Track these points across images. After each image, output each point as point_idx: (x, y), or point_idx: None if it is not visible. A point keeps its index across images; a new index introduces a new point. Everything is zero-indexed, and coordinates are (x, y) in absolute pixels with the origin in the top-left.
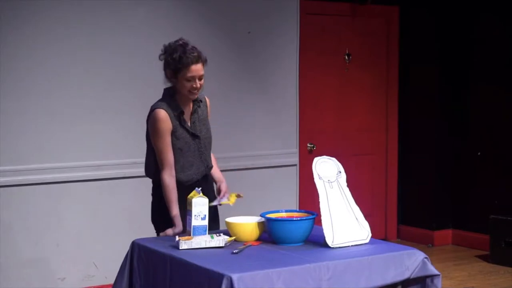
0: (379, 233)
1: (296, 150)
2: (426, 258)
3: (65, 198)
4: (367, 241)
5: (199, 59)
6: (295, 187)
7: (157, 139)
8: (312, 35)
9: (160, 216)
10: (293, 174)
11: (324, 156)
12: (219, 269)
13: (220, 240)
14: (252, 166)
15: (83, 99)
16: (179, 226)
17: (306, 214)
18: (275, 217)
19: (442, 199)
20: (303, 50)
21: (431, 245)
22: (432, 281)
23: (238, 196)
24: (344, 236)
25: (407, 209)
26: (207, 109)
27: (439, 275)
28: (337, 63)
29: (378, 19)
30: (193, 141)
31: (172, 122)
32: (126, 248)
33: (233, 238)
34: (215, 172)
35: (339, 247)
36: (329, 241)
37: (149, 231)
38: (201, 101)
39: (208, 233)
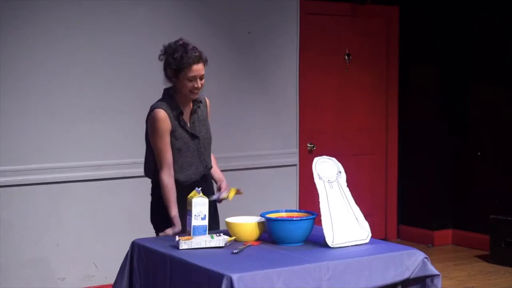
0: (379, 233)
1: (296, 150)
2: (426, 258)
3: (65, 198)
4: (367, 241)
5: (200, 59)
6: (295, 187)
7: (156, 139)
8: (312, 35)
9: (159, 216)
10: (293, 174)
11: (324, 156)
12: (219, 269)
13: (220, 240)
14: (252, 166)
15: (83, 99)
16: (178, 226)
17: (306, 214)
18: (275, 217)
19: (442, 199)
20: (303, 50)
21: (431, 245)
22: (432, 281)
23: (237, 192)
24: (344, 236)
25: (407, 209)
26: (207, 109)
27: (439, 275)
28: (337, 63)
29: (378, 19)
30: (192, 141)
31: (171, 122)
32: (126, 248)
33: (233, 238)
34: (215, 172)
35: (339, 247)
36: (329, 241)
37: (149, 231)
38: (200, 101)
39: (208, 233)
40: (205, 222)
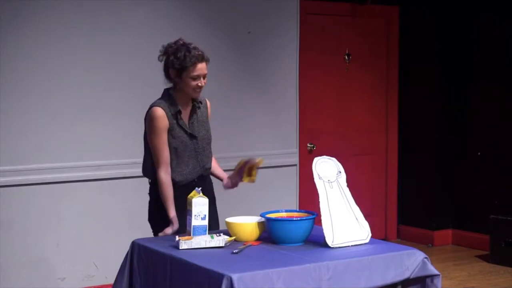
0: (379, 233)
1: (296, 150)
2: (426, 258)
3: (65, 198)
4: (367, 241)
5: (203, 58)
6: (295, 187)
7: (153, 137)
8: (312, 35)
9: (157, 216)
10: (293, 174)
11: (324, 156)
12: (219, 269)
13: (220, 240)
14: None
15: (83, 99)
16: (176, 224)
17: (306, 214)
18: (275, 217)
19: (442, 199)
20: (303, 50)
21: (431, 245)
22: (432, 281)
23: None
24: (344, 236)
25: (407, 209)
26: (207, 110)
27: (439, 275)
28: (337, 63)
29: (378, 19)
30: (191, 141)
31: (169, 121)
32: (126, 248)
33: (233, 238)
34: (219, 170)
35: (339, 247)
36: (329, 241)
37: (149, 231)
38: (201, 102)
39: (208, 233)
40: (205, 222)
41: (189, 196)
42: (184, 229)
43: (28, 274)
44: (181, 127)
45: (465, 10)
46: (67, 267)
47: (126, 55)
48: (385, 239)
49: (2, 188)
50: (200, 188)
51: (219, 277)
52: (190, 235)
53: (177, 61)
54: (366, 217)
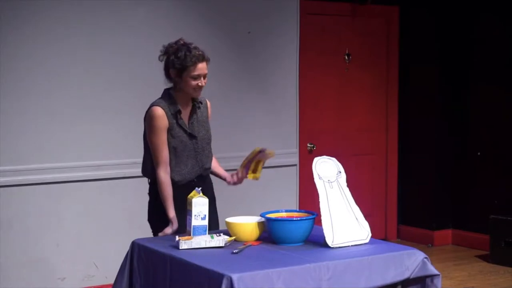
0: (379, 233)
1: (296, 150)
2: (426, 258)
3: (65, 198)
4: (367, 241)
5: (204, 57)
6: (295, 187)
7: (152, 136)
8: (312, 35)
9: (157, 216)
10: (293, 174)
11: (324, 156)
12: (219, 269)
13: (220, 240)
14: None
15: (83, 99)
16: (175, 223)
17: (306, 214)
18: (275, 217)
19: (442, 199)
20: (303, 50)
21: (431, 245)
22: (432, 281)
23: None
24: (344, 236)
25: (407, 209)
26: (207, 111)
27: (439, 275)
28: (337, 63)
29: (378, 19)
30: (190, 141)
31: (168, 120)
32: (126, 248)
33: (233, 238)
34: (221, 171)
35: (339, 247)
36: (329, 241)
37: (149, 231)
38: (201, 102)
39: (208, 233)
40: (205, 222)
41: (189, 196)
42: (184, 229)
43: (28, 274)
44: (180, 126)
45: (465, 10)
46: (67, 267)
47: (126, 55)
48: (385, 239)
49: (2, 188)
50: (200, 188)
51: (219, 277)
52: (190, 235)
53: (178, 61)
54: (366, 217)
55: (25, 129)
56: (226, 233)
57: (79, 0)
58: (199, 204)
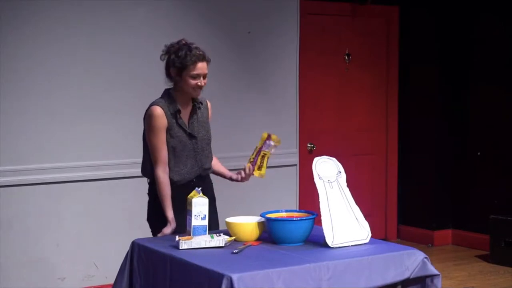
0: (379, 233)
1: (296, 150)
2: (426, 258)
3: (65, 198)
4: (367, 241)
5: (204, 57)
6: (295, 187)
7: (151, 135)
8: (312, 35)
9: (156, 216)
10: (293, 174)
11: (324, 156)
12: (219, 269)
13: (220, 240)
14: None
15: (83, 99)
16: (173, 223)
17: (306, 214)
18: (275, 217)
19: (442, 199)
20: (303, 50)
21: (431, 245)
22: (432, 281)
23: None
24: (344, 236)
25: (407, 209)
26: (207, 111)
27: (439, 275)
28: (337, 63)
29: (378, 19)
30: (190, 141)
31: (167, 120)
32: (126, 248)
33: (233, 238)
34: (223, 169)
35: (339, 247)
36: (329, 241)
37: (149, 231)
38: (201, 103)
39: (208, 233)
40: (205, 222)
41: (189, 196)
42: (183, 229)
43: (28, 274)
44: (180, 126)
45: (465, 10)
46: (67, 267)
47: (126, 55)
48: (385, 239)
49: (2, 188)
50: (200, 188)
51: (219, 277)
52: (190, 235)
53: (178, 60)
54: (366, 217)
55: (25, 129)
56: (226, 233)
57: (79, 0)
58: (199, 204)
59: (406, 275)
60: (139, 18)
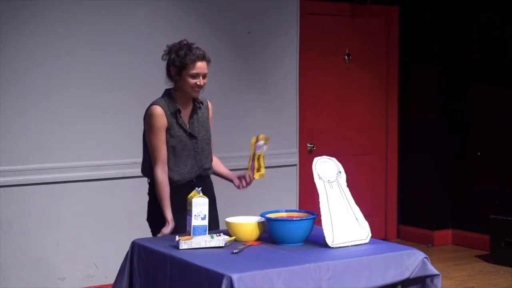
0: (379, 233)
1: (296, 150)
2: (426, 258)
3: (65, 198)
4: (367, 241)
5: (204, 57)
6: (295, 187)
7: (151, 135)
8: (312, 35)
9: (155, 215)
10: (293, 174)
11: (324, 156)
12: (219, 269)
13: (220, 240)
14: None
15: (83, 99)
16: (171, 223)
17: (306, 214)
18: (275, 217)
19: (442, 199)
20: (303, 50)
21: (431, 245)
22: (432, 281)
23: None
24: (344, 236)
25: (407, 209)
26: (208, 112)
27: (439, 275)
28: (337, 63)
29: (378, 19)
30: (190, 140)
31: (167, 119)
32: (126, 248)
33: (233, 238)
34: (224, 170)
35: (339, 247)
36: (329, 241)
37: (149, 231)
38: (202, 103)
39: (208, 233)
40: (205, 222)
41: (189, 196)
42: (183, 229)
43: (28, 274)
44: (180, 126)
45: (465, 10)
46: (67, 267)
47: (126, 55)
48: (385, 239)
49: (2, 188)
50: (200, 188)
51: (219, 277)
52: (190, 235)
53: (178, 59)
54: (366, 217)
55: (25, 129)
56: (226, 233)
57: (79, 0)
58: (199, 204)
59: (406, 275)
60: (139, 18)
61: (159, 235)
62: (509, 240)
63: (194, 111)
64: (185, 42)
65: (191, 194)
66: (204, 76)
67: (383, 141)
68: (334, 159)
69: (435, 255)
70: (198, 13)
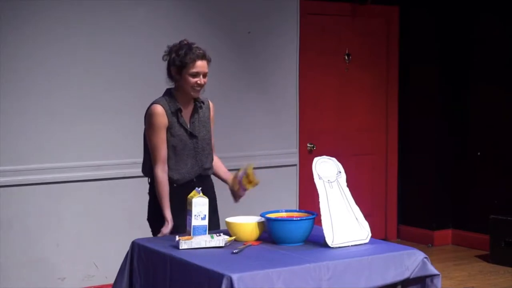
0: (379, 233)
1: (296, 150)
2: (426, 258)
3: (65, 198)
4: (367, 241)
5: (204, 56)
6: (295, 187)
7: (151, 134)
8: (312, 35)
9: (156, 215)
10: (293, 174)
11: (324, 156)
12: (219, 269)
13: (220, 240)
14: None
15: (83, 99)
16: (170, 222)
17: (306, 214)
18: (275, 217)
19: (442, 199)
20: (303, 50)
21: (431, 245)
22: (432, 281)
23: (248, 170)
24: (344, 236)
25: (407, 209)
26: (209, 112)
27: (439, 275)
28: (337, 63)
29: (378, 19)
30: (190, 140)
31: (168, 118)
32: (126, 248)
33: (233, 238)
34: (224, 172)
35: (339, 247)
36: (329, 241)
37: (149, 231)
38: (203, 102)
39: (208, 233)
40: (205, 222)
41: (189, 196)
42: (183, 228)
43: (28, 274)
44: (181, 125)
45: (465, 10)
46: (67, 267)
47: (126, 55)
48: (385, 239)
49: (2, 188)
50: (200, 188)
51: (219, 277)
52: (190, 235)
53: (178, 58)
54: (366, 217)
55: (25, 129)
56: (226, 233)
57: (79, 0)
58: (199, 204)
59: (406, 275)
60: (139, 18)
61: (159, 235)
62: (509, 240)
63: (195, 111)
64: (185, 42)
65: (191, 194)
66: (204, 75)
67: (383, 141)
68: (334, 159)
69: (435, 255)
70: (198, 13)
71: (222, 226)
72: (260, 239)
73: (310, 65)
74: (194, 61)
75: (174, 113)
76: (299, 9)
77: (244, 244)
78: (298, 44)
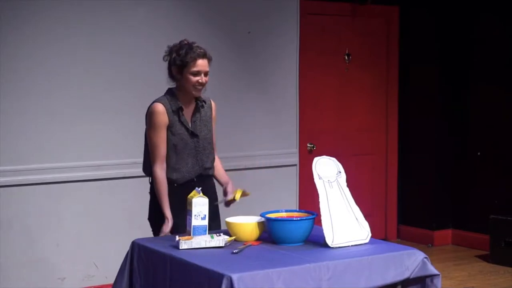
0: (379, 233)
1: (296, 150)
2: (426, 258)
3: (65, 198)
4: (367, 241)
5: (205, 55)
6: (295, 187)
7: (151, 132)
8: (312, 35)
9: (156, 214)
10: (293, 174)
11: (324, 156)
12: (219, 269)
13: (220, 240)
14: (252, 166)
15: (83, 99)
16: (170, 220)
17: (306, 214)
18: (275, 217)
19: (442, 199)
20: (303, 50)
21: (431, 245)
22: (432, 281)
23: (244, 193)
24: (344, 236)
25: (407, 209)
26: (211, 111)
27: (439, 275)
28: (337, 63)
29: (378, 19)
30: (191, 139)
31: (169, 117)
32: (126, 248)
33: (233, 238)
34: (222, 176)
35: (339, 247)
36: (329, 241)
37: (149, 231)
38: (204, 101)
39: (208, 233)
40: (205, 222)
41: (189, 196)
42: (183, 228)
43: (28, 274)
44: (182, 124)
45: (465, 10)
46: (67, 267)
47: (126, 55)
48: (385, 239)
49: (2, 188)
50: (200, 188)
51: (219, 277)
52: (190, 235)
53: (179, 58)
54: (366, 217)
55: (25, 129)
56: (226, 233)
57: (79, 0)
58: (199, 204)
59: (406, 275)
60: (139, 18)
61: (161, 234)
62: (509, 240)
63: (196, 110)
64: (185, 42)
65: (191, 194)
66: (205, 74)
67: (383, 141)
68: (334, 159)
69: (435, 255)
70: (198, 13)
71: (223, 226)
72: (260, 239)
73: (310, 65)
74: (195, 60)
75: (175, 112)
76: (299, 9)
77: (244, 244)
78: (298, 44)
